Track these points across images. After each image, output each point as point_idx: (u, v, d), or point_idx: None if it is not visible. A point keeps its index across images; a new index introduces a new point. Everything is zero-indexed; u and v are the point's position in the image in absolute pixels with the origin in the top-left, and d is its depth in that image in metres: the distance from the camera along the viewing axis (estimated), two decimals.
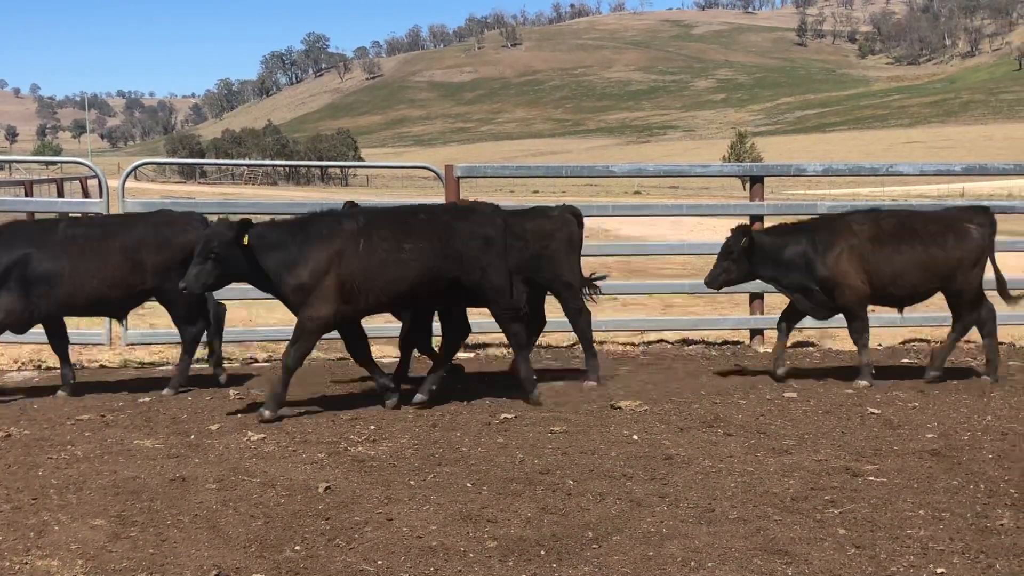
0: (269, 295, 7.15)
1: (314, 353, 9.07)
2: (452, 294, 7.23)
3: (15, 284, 7.24)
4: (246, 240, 6.70)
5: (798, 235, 8.12)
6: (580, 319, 8.16)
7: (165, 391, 7.63)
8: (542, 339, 10.21)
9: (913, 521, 4.78)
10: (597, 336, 10.23)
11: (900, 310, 8.55)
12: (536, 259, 7.88)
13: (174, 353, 9.49)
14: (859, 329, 8.10)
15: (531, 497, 5.13)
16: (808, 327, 10.57)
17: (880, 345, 9.96)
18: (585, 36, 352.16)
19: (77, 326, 9.27)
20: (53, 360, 8.97)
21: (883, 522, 4.76)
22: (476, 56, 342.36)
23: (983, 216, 8.26)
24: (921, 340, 10.26)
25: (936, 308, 11.41)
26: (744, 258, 8.09)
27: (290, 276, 6.76)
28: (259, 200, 10.47)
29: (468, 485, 5.33)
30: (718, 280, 8.23)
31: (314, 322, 6.82)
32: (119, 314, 8.02)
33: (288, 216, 7.84)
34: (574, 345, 10.05)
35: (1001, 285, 8.38)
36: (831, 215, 8.54)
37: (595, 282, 8.33)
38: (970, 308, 8.24)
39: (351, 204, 7.86)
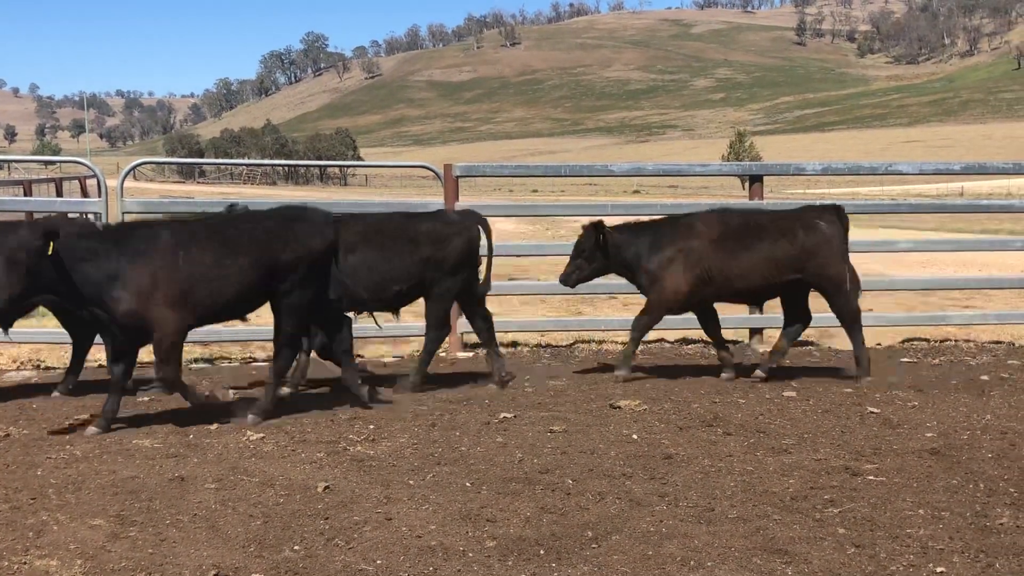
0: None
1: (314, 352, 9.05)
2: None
3: None
4: (51, 249, 6.07)
5: (645, 232, 8.13)
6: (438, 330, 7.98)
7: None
8: (540, 338, 10.22)
9: (913, 520, 4.77)
10: (597, 335, 10.28)
11: (760, 308, 8.44)
12: (425, 264, 7.66)
13: None
14: (644, 324, 8.13)
15: (530, 496, 5.12)
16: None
17: (879, 344, 9.96)
18: (584, 35, 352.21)
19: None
20: (53, 360, 8.98)
21: (883, 521, 4.75)
22: (475, 55, 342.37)
23: (833, 214, 8.19)
24: (921, 339, 10.26)
25: (935, 307, 11.44)
26: (596, 255, 8.11)
27: (117, 296, 6.23)
28: (258, 200, 10.43)
29: (467, 484, 5.32)
30: (571, 278, 8.25)
31: (169, 338, 6.42)
32: (4, 324, 7.51)
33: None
34: (574, 344, 10.06)
35: (853, 285, 8.25)
36: (681, 215, 8.46)
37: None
38: (843, 303, 8.14)
39: (231, 207, 7.52)
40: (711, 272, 7.95)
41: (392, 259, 7.61)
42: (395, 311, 8.02)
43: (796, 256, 7.96)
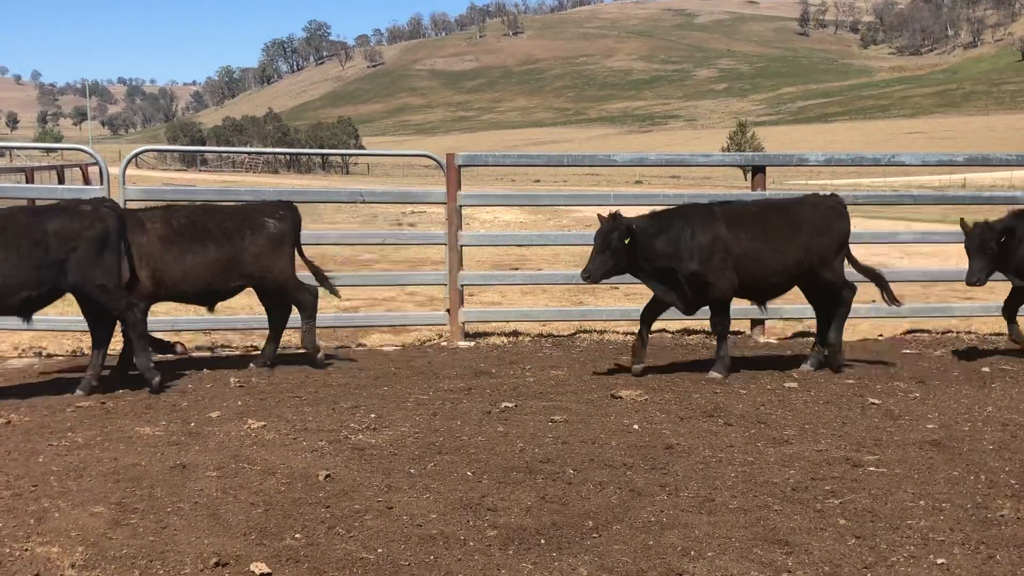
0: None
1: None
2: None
3: None
4: None
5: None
6: (130, 316, 7.26)
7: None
8: (542, 328, 10.20)
9: (913, 511, 4.77)
10: (598, 325, 10.26)
11: (210, 309, 8.21)
12: (60, 264, 6.93)
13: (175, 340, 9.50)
14: (137, 330, 7.50)
15: (531, 486, 5.13)
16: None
17: (881, 335, 9.96)
18: (587, 25, 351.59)
19: (79, 313, 9.26)
20: (54, 347, 9.00)
21: (883, 512, 4.75)
22: (478, 45, 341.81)
23: (284, 210, 8.10)
24: (923, 331, 10.25)
25: (936, 298, 11.42)
26: None
27: None
28: (259, 188, 10.44)
29: (468, 474, 5.32)
30: None
31: None
32: None
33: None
34: (575, 334, 10.05)
35: (320, 278, 8.27)
36: (134, 211, 8.05)
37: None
38: (282, 306, 8.20)
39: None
40: (160, 272, 7.63)
41: (15, 261, 6.82)
42: (27, 317, 7.22)
43: (240, 258, 7.82)
